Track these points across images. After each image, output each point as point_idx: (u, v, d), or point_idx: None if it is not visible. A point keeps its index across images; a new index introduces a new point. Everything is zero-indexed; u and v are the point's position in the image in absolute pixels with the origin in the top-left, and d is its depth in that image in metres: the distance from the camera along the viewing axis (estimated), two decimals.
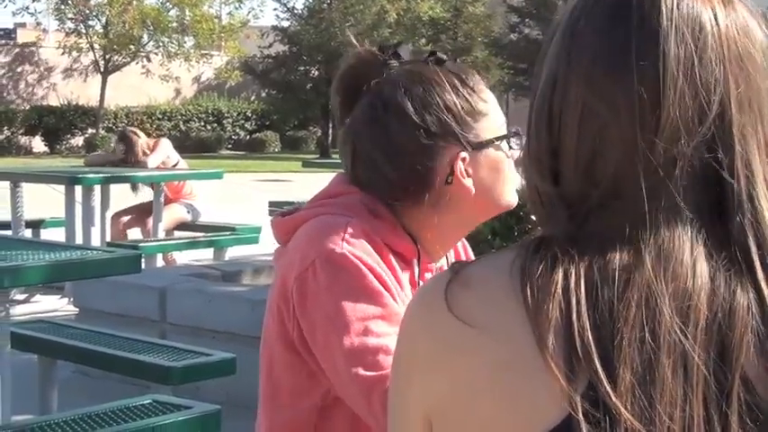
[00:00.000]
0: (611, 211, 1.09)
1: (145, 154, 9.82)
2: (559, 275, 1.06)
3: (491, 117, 2.03)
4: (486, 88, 2.05)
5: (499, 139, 2.02)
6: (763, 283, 1.05)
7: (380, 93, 1.98)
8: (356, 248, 1.88)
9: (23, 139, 34.25)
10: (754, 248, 1.07)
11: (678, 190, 1.07)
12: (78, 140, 34.38)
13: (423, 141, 1.95)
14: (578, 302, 1.05)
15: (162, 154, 9.86)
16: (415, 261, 2.01)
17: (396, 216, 1.99)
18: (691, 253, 1.06)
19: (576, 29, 1.15)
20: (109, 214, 9.50)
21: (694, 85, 1.08)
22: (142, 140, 9.88)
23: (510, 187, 2.06)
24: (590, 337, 1.04)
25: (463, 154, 1.98)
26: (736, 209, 1.08)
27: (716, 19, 1.11)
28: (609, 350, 1.03)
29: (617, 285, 1.05)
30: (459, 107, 1.99)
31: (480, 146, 2.00)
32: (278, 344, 1.96)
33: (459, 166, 1.97)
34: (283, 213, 2.06)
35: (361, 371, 1.81)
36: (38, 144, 34.27)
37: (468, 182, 1.98)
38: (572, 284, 1.06)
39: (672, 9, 1.10)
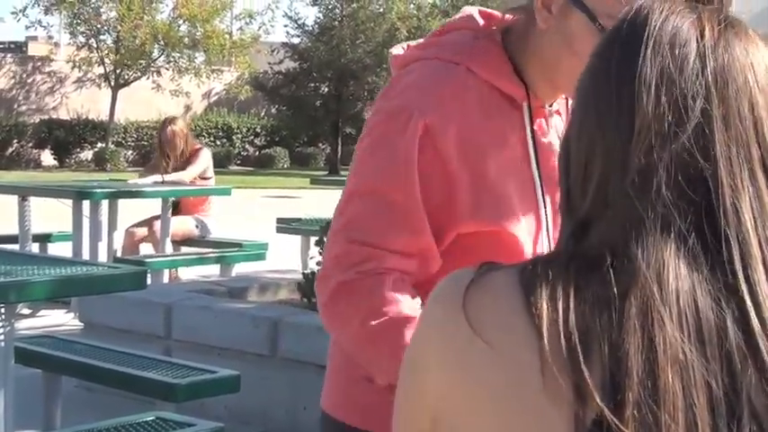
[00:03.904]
0: (604, 223, 1.11)
1: (185, 158, 9.79)
2: (563, 301, 1.07)
3: None
4: None
5: (588, 12, 1.84)
6: (747, 298, 1.06)
7: None
8: (438, 110, 1.89)
9: (33, 153, 34.33)
10: (738, 264, 1.07)
11: (660, 200, 1.09)
12: (88, 154, 34.44)
13: None
14: (581, 328, 1.06)
15: (201, 166, 9.85)
16: (525, 105, 1.98)
17: (510, 54, 1.96)
18: (677, 269, 1.06)
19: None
20: (116, 229, 9.52)
21: (671, 95, 1.10)
22: (181, 142, 9.85)
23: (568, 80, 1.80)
24: (593, 363, 1.04)
25: None
26: (721, 221, 1.09)
27: (702, 37, 1.14)
28: (614, 375, 1.03)
29: (615, 308, 1.06)
30: None
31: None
32: None
33: None
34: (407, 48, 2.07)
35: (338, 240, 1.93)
36: (47, 157, 34.34)
37: (543, 16, 1.88)
38: (574, 309, 1.06)
39: (656, 26, 1.14)
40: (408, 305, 1.86)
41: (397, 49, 2.06)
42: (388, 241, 1.89)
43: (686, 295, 1.05)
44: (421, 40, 2.07)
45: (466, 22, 2.01)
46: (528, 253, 1.95)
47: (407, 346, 1.22)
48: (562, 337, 1.05)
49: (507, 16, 2.00)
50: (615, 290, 1.06)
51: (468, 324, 1.11)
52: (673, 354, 1.03)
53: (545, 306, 1.07)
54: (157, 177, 9.71)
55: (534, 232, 1.98)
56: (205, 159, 9.92)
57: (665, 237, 1.08)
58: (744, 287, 1.06)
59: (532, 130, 1.98)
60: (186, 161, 9.82)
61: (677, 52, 1.12)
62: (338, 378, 2.07)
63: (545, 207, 2.00)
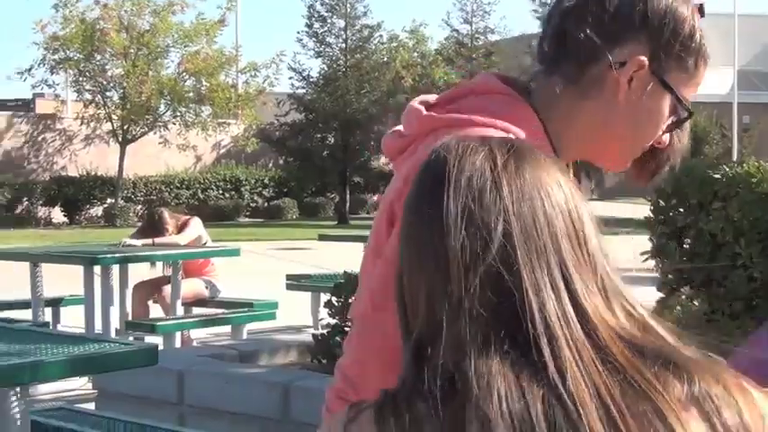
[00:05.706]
0: (437, 351, 1.20)
1: (173, 230, 9.92)
2: None
3: (700, 72, 1.82)
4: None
5: (677, 97, 1.80)
6: (566, 399, 1.14)
7: None
8: None
9: (42, 210, 34.51)
10: (551, 365, 1.17)
11: (477, 320, 1.19)
12: (98, 210, 34.61)
13: (630, 14, 1.78)
14: None
15: (194, 232, 9.97)
16: None
17: (539, 111, 1.83)
18: (503, 382, 1.15)
19: None
20: (127, 293, 9.59)
21: (474, 225, 1.21)
22: (169, 222, 9.99)
23: (636, 150, 1.85)
24: None
25: (645, 59, 1.77)
26: (530, 324, 1.18)
27: (495, 167, 1.25)
28: None
29: None
30: (691, 28, 1.79)
31: (662, 71, 1.78)
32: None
33: (630, 66, 1.77)
34: (429, 105, 1.84)
35: None
36: (57, 215, 34.51)
37: (621, 92, 1.78)
38: None
39: (454, 165, 1.25)
40: None
41: (418, 110, 1.83)
42: None
43: (518, 408, 1.14)
44: (434, 98, 1.87)
45: (493, 86, 1.85)
46: None
47: None
48: None
49: (519, 77, 1.91)
50: (449, 422, 1.15)
51: None
52: None
53: None
54: (147, 241, 9.83)
55: None
56: (197, 228, 10.09)
57: (488, 353, 1.17)
58: (559, 385, 1.15)
59: None
60: (179, 231, 9.98)
61: (474, 185, 1.24)
62: None
63: None
